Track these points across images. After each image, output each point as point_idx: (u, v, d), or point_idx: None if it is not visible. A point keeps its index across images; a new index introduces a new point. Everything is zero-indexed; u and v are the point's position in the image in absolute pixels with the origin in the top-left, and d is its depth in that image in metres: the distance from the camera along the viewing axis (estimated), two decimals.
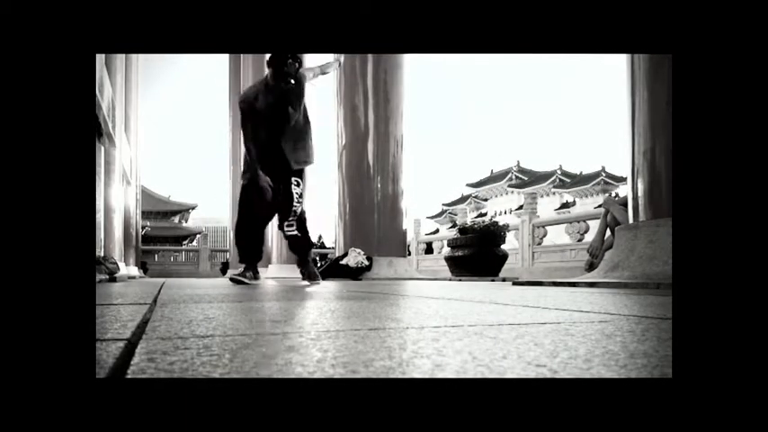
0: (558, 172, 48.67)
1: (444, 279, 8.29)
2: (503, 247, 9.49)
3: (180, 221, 49.93)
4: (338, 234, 8.39)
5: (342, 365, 0.58)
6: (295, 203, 4.10)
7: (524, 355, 0.66)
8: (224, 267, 19.70)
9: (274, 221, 4.34)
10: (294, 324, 1.00)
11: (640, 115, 3.79)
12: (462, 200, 54.00)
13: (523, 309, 1.40)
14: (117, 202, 9.34)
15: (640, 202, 3.81)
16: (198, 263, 23.34)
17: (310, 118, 4.21)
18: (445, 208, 53.94)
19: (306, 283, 4.11)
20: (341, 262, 7.33)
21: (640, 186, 3.81)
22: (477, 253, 9.09)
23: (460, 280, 7.80)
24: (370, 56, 8.03)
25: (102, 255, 6.51)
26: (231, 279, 4.09)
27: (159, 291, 2.52)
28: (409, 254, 12.14)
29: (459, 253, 9.34)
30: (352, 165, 8.11)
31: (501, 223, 9.70)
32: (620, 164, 42.76)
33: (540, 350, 0.69)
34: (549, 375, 0.54)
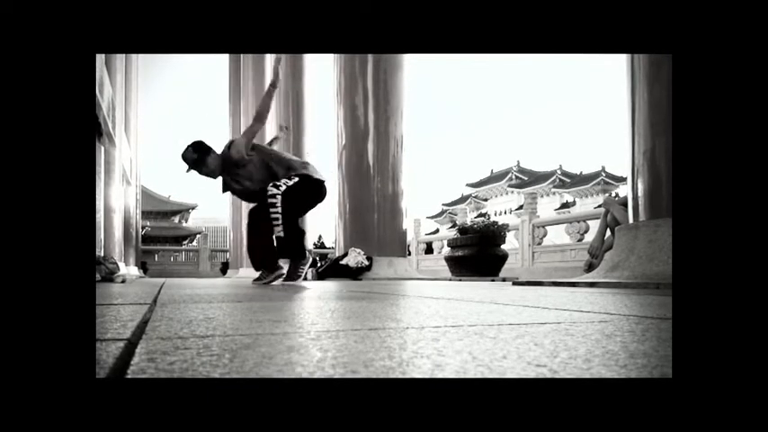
0: (558, 172, 48.70)
1: (444, 279, 8.29)
2: (503, 247, 9.49)
3: (180, 221, 49.95)
4: (338, 234, 8.40)
5: (342, 365, 0.58)
6: (270, 194, 3.90)
7: (524, 355, 0.65)
8: (224, 267, 19.71)
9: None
10: (294, 324, 1.00)
11: (640, 115, 3.80)
12: (462, 200, 54.01)
13: (523, 309, 1.40)
14: (117, 202, 9.35)
15: (640, 202, 3.81)
16: (198, 263, 23.35)
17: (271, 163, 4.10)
18: (445, 208, 53.93)
19: (259, 283, 3.96)
20: (341, 262, 7.34)
21: (640, 186, 3.81)
22: (477, 253, 9.10)
23: (460, 280, 7.81)
24: (370, 56, 8.04)
25: (102, 255, 6.51)
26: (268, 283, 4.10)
27: (159, 291, 2.52)
28: (409, 254, 12.15)
29: (460, 253, 9.34)
30: (352, 164, 8.12)
31: (501, 223, 9.70)
32: (620, 164, 42.79)
33: (540, 350, 0.69)
34: (549, 375, 0.54)
